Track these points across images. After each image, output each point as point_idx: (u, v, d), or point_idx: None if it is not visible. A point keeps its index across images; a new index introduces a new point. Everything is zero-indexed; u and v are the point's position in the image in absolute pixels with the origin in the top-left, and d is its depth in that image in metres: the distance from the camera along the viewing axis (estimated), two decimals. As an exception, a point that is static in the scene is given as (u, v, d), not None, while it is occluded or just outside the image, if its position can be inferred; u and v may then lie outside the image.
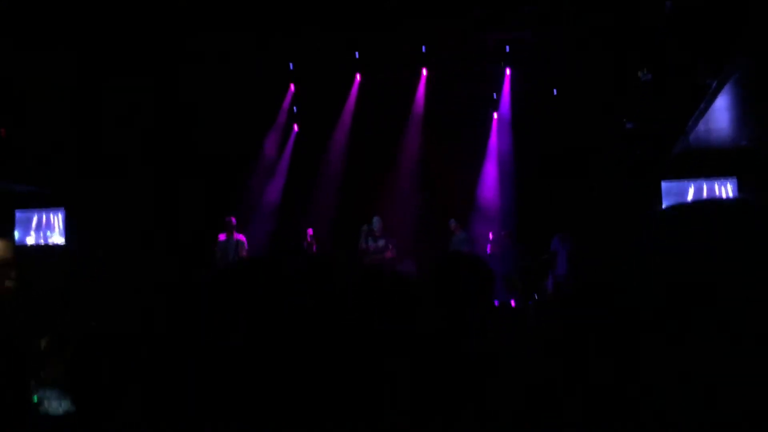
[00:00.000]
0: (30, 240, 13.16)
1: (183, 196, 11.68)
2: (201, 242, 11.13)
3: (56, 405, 2.62)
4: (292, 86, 12.70)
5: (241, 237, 10.47)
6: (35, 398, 3.11)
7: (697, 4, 7.46)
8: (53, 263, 12.43)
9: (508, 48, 11.28)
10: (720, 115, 9.31)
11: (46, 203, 12.99)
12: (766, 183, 11.22)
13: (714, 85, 7.92)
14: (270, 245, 12.23)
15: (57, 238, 13.04)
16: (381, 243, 10.62)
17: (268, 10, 9.78)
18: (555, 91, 11.91)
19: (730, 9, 6.80)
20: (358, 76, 12.39)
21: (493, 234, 11.37)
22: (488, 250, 11.13)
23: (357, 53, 11.55)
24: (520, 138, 12.16)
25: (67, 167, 11.51)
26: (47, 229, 13.12)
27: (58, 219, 13.06)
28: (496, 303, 9.65)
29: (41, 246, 13.04)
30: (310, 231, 11.40)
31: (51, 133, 10.78)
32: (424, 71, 12.16)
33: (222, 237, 10.50)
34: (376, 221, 10.69)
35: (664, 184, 11.89)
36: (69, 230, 12.96)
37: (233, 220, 10.46)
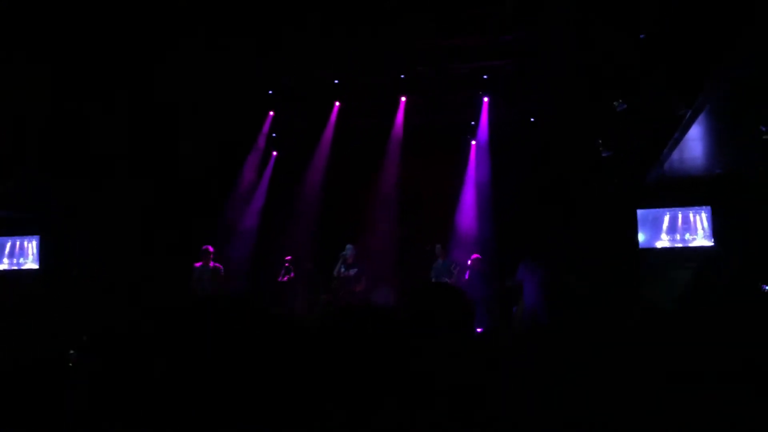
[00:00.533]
0: (2, 267, 13.00)
1: (160, 223, 11.62)
2: (179, 269, 11.07)
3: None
4: (271, 113, 12.71)
5: (218, 265, 10.47)
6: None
7: (671, 35, 7.61)
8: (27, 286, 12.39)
9: (486, 76, 11.39)
10: (694, 144, 9.48)
11: (21, 230, 12.88)
12: (740, 211, 11.42)
13: (688, 114, 8.06)
14: (248, 272, 12.16)
15: (30, 265, 12.90)
16: (353, 272, 10.62)
17: (248, 34, 9.80)
18: (533, 119, 12.04)
19: (704, 40, 6.95)
20: (337, 104, 12.43)
21: (471, 261, 11.39)
22: (466, 275, 11.12)
23: (336, 80, 11.60)
24: (497, 165, 12.24)
25: (44, 193, 11.43)
26: (20, 256, 12.97)
27: (32, 246, 12.92)
28: (479, 330, 9.66)
29: (14, 271, 12.92)
30: (288, 257, 11.37)
31: (27, 159, 10.70)
32: (403, 98, 12.23)
33: (197, 265, 10.48)
34: (348, 249, 10.71)
35: (639, 212, 12.04)
36: (43, 257, 12.84)
37: (210, 248, 10.50)
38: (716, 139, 9.43)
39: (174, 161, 11.65)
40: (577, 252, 11.15)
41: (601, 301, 10.09)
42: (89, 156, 11.06)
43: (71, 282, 11.76)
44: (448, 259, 11.19)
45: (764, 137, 8.75)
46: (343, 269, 10.70)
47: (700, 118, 8.15)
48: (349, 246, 10.77)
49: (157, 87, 10.60)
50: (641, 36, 8.05)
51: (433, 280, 10.84)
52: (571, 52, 9.46)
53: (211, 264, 10.44)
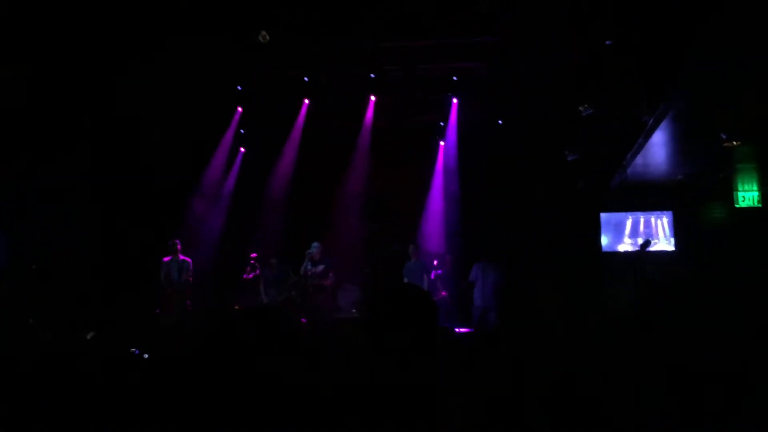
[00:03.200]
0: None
1: (124, 219, 11.50)
2: (144, 264, 11.03)
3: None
4: (239, 108, 12.61)
5: (187, 259, 10.59)
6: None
7: (635, 43, 7.74)
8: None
9: (455, 78, 11.46)
10: (657, 150, 9.65)
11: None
12: (701, 216, 11.66)
13: (651, 121, 8.21)
14: (214, 269, 12.07)
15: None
16: (319, 269, 10.66)
17: (217, 30, 9.72)
18: (500, 121, 12.13)
19: (667, 49, 7.08)
20: (306, 101, 12.39)
21: (437, 260, 11.48)
22: (432, 275, 11.22)
23: (305, 78, 11.57)
24: (465, 166, 12.32)
25: (5, 188, 11.26)
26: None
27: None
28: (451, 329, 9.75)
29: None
30: (253, 255, 11.35)
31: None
32: (373, 98, 12.24)
33: (166, 259, 10.67)
34: (314, 247, 10.71)
35: (602, 216, 12.22)
36: (1, 251, 12.60)
37: (178, 242, 10.67)
38: (679, 145, 9.61)
39: (139, 157, 11.53)
40: (540, 254, 11.29)
41: (562, 303, 10.23)
42: (53, 152, 10.93)
43: (31, 277, 11.57)
44: (420, 260, 11.27)
45: (724, 144, 8.95)
46: (310, 266, 10.69)
47: (664, 125, 8.29)
48: (315, 244, 10.78)
49: (122, 82, 10.47)
50: (607, 42, 8.18)
51: (406, 279, 10.90)
52: (539, 56, 9.56)
53: (180, 257, 10.63)
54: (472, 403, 2.28)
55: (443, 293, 10.91)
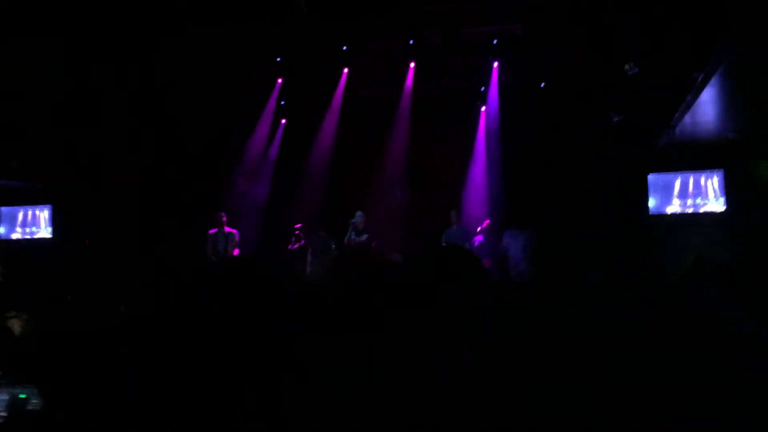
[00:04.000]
0: (16, 236, 13.13)
1: (170, 192, 11.68)
2: (189, 237, 11.19)
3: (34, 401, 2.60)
4: (279, 80, 12.64)
5: (233, 230, 10.72)
6: (23, 395, 3.10)
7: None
8: (39, 257, 12.52)
9: (495, 41, 11.27)
10: (706, 107, 9.36)
11: (33, 200, 12.98)
12: (753, 175, 11.32)
13: (700, 77, 7.95)
14: (259, 241, 12.21)
15: (43, 234, 13.02)
16: (363, 237, 10.69)
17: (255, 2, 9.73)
18: (543, 84, 11.92)
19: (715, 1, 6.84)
20: (345, 70, 12.34)
21: (481, 228, 11.39)
22: (476, 242, 11.15)
23: (344, 47, 11.52)
24: (507, 130, 12.17)
25: (54, 163, 11.49)
26: (33, 225, 13.08)
27: (44, 215, 13.03)
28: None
29: (27, 240, 13.06)
30: (298, 225, 11.43)
31: (37, 129, 10.73)
32: (412, 64, 12.14)
33: (212, 231, 10.80)
34: (358, 216, 10.74)
35: (650, 177, 11.94)
36: (56, 226, 12.95)
37: (223, 215, 10.73)
38: (729, 102, 9.30)
39: (183, 130, 11.66)
40: (586, 217, 11.11)
41: (610, 267, 10.07)
42: (98, 129, 11.12)
43: (84, 250, 11.90)
44: (462, 226, 11.18)
45: (778, 100, 8.65)
46: (354, 236, 10.74)
47: (713, 81, 8.03)
48: (358, 213, 10.80)
49: (164, 56, 10.56)
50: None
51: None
52: (581, 14, 9.33)
53: (226, 229, 10.74)
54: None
55: (485, 261, 10.81)
